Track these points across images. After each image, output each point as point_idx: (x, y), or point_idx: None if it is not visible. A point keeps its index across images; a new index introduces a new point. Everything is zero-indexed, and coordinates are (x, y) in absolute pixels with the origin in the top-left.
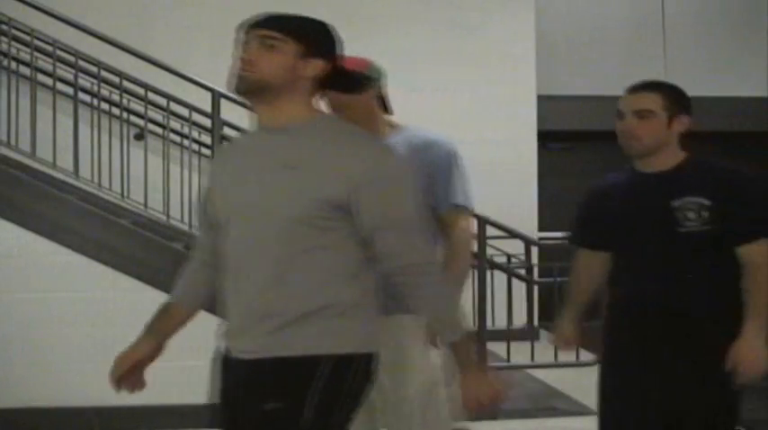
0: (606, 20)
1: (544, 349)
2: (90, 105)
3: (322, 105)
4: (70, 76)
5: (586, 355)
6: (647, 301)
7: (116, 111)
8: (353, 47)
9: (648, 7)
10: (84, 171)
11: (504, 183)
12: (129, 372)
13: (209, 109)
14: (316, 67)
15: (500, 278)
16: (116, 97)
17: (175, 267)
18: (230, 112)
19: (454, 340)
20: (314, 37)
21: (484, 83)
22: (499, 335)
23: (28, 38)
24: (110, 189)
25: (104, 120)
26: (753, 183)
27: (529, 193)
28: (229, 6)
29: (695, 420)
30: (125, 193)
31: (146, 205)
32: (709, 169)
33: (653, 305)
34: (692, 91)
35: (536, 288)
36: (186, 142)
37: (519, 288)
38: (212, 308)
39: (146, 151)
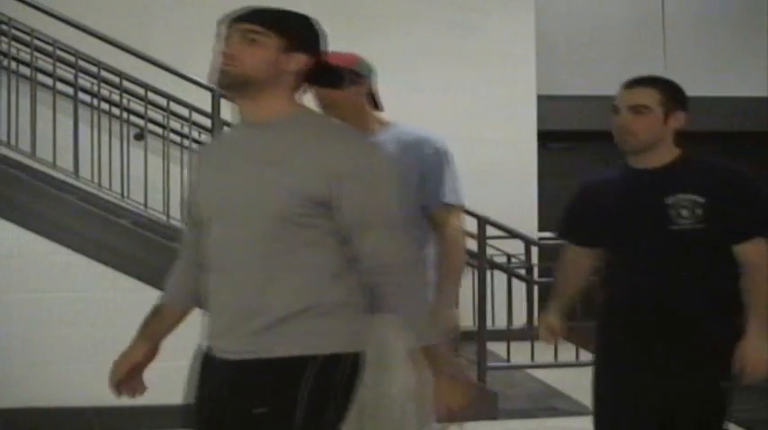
0: (606, 20)
1: (544, 349)
2: (90, 105)
3: (307, 100)
4: (70, 76)
5: (586, 355)
6: (640, 298)
7: (116, 111)
8: (354, 47)
9: (648, 7)
10: (84, 171)
11: (504, 183)
12: (128, 377)
13: (209, 109)
14: (298, 61)
15: (500, 278)
16: (116, 97)
17: None
18: (230, 112)
19: (428, 343)
20: (297, 31)
21: (484, 83)
22: (499, 335)
23: (28, 38)
24: (110, 189)
25: (104, 120)
26: (749, 182)
27: (529, 193)
28: (229, 7)
29: (688, 417)
30: (125, 193)
31: (146, 205)
32: (704, 167)
33: (646, 301)
34: (692, 91)
35: (536, 288)
36: (186, 142)
37: (519, 288)
38: (206, 306)
39: (146, 151)
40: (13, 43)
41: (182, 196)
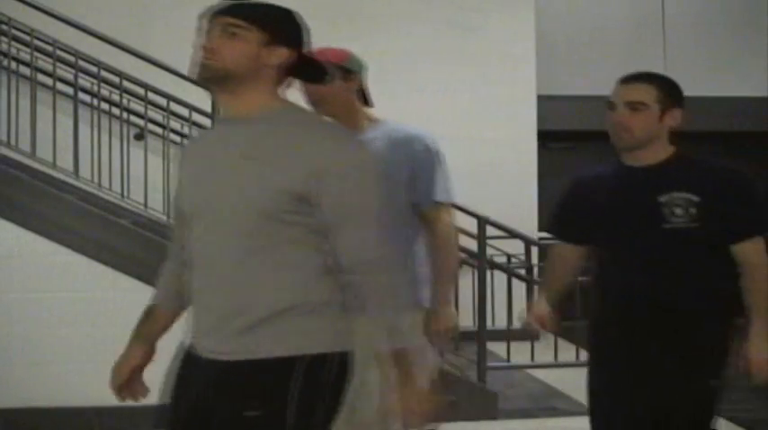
0: (606, 20)
1: (544, 349)
2: (90, 105)
3: (298, 97)
4: (70, 76)
5: (586, 355)
6: (633, 295)
7: (116, 111)
8: (354, 46)
9: (648, 7)
10: (84, 171)
11: (504, 183)
12: (129, 380)
13: (209, 109)
14: (280, 55)
15: (500, 278)
16: (116, 97)
17: None
18: None
19: (398, 347)
20: (278, 25)
21: (484, 83)
22: (499, 336)
23: (28, 38)
24: (110, 189)
25: (104, 120)
26: (745, 181)
27: (529, 193)
28: None
29: (678, 414)
30: (125, 193)
31: (146, 205)
32: (699, 165)
33: (640, 299)
34: (691, 91)
35: (536, 288)
36: (186, 142)
37: (519, 288)
38: (190, 304)
39: (146, 151)
40: (13, 43)
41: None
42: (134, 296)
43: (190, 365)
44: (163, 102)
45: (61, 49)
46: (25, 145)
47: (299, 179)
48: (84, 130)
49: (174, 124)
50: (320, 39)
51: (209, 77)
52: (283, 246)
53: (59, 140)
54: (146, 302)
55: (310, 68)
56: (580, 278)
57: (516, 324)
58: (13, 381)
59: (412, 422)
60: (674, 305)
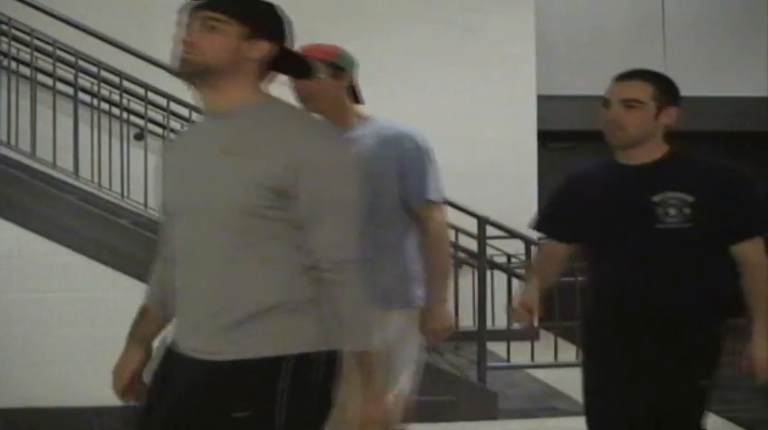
0: (606, 20)
1: (544, 349)
2: (90, 105)
3: (279, 91)
4: (70, 76)
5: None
6: (626, 294)
7: (116, 111)
8: (354, 46)
9: (648, 7)
10: (84, 171)
11: (504, 183)
12: (131, 382)
13: None
14: (261, 49)
15: (500, 278)
16: (116, 97)
17: None
18: None
19: (362, 350)
20: (259, 18)
21: (484, 83)
22: (499, 335)
23: (28, 38)
24: (110, 189)
25: (104, 120)
26: (743, 180)
27: (529, 193)
28: None
29: (672, 413)
30: (125, 193)
31: (146, 205)
32: (693, 164)
33: (632, 298)
34: (692, 91)
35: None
36: (169, 138)
37: (519, 288)
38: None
39: (146, 151)
40: (13, 43)
41: None
42: (134, 296)
43: (171, 363)
44: (163, 102)
45: (61, 49)
46: (25, 145)
47: (277, 171)
48: (84, 130)
49: (174, 124)
50: (320, 38)
51: (189, 72)
52: (266, 242)
53: (59, 140)
54: None
55: (294, 63)
56: (580, 278)
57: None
58: (13, 381)
59: (369, 428)
60: (667, 305)
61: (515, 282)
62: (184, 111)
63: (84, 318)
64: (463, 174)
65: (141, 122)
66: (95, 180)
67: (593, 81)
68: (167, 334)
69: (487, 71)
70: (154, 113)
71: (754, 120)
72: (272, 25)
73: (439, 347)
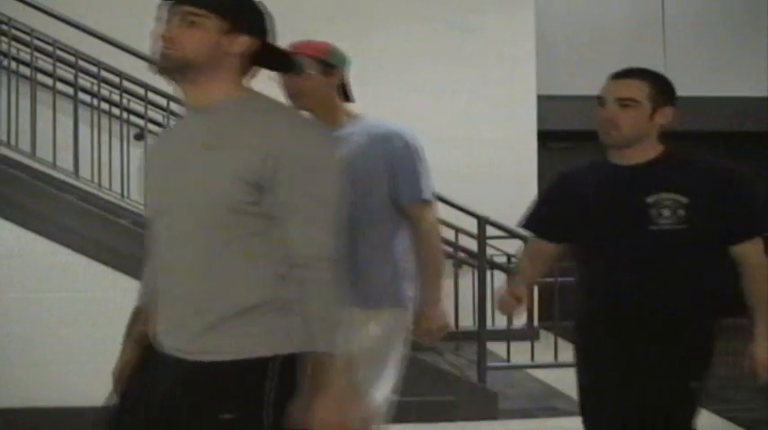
0: (606, 20)
1: (544, 349)
2: (90, 105)
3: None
4: (70, 76)
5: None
6: (620, 294)
7: (116, 111)
8: (353, 46)
9: (648, 7)
10: (84, 171)
11: (504, 183)
12: None
13: None
14: (242, 43)
15: (500, 278)
16: (116, 97)
17: None
18: None
19: (328, 351)
20: (239, 13)
21: (484, 83)
22: (499, 335)
23: (28, 38)
24: (110, 189)
25: (104, 120)
26: (743, 180)
27: (529, 193)
28: None
29: (663, 414)
30: (125, 193)
31: (146, 205)
32: (689, 164)
33: (626, 298)
34: (691, 91)
35: (536, 288)
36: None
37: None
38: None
39: (146, 151)
40: (13, 43)
41: None
42: (134, 296)
43: (152, 363)
44: (163, 102)
45: (61, 49)
46: (25, 145)
47: (257, 163)
48: (84, 130)
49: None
50: (319, 38)
51: (168, 67)
52: (249, 239)
53: (59, 140)
54: None
55: (276, 58)
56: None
57: (516, 324)
58: (13, 381)
59: None
60: (660, 305)
61: None
62: (184, 112)
63: (84, 317)
64: (463, 175)
65: (141, 122)
66: (95, 180)
67: (593, 81)
68: (149, 336)
69: (487, 71)
70: (154, 113)
71: (754, 120)
72: (252, 20)
73: (439, 347)
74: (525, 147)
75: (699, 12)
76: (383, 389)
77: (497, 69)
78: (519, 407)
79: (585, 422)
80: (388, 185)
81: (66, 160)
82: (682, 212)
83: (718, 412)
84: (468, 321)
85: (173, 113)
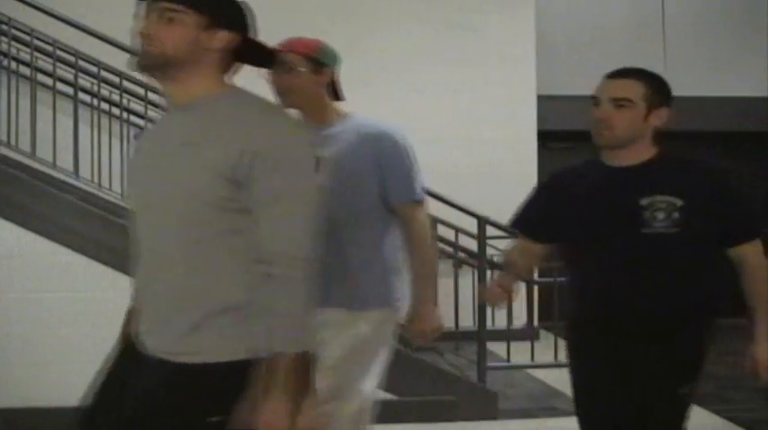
0: (606, 20)
1: (544, 349)
2: (90, 105)
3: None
4: (70, 76)
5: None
6: (612, 295)
7: (116, 111)
8: (354, 46)
9: (648, 7)
10: (84, 171)
11: (504, 183)
12: None
13: None
14: (222, 38)
15: None
16: (116, 97)
17: None
18: None
19: (282, 351)
20: (217, 8)
21: (484, 83)
22: (499, 335)
23: (28, 38)
24: (110, 189)
25: (104, 120)
26: (732, 181)
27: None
28: None
29: (656, 414)
30: (125, 193)
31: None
32: (684, 166)
33: (618, 299)
34: (691, 91)
35: (536, 288)
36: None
37: (519, 288)
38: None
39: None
40: (13, 43)
41: None
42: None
43: (133, 362)
44: (163, 102)
45: (61, 49)
46: (25, 145)
47: (234, 158)
48: (84, 130)
49: None
50: (321, 38)
51: (148, 64)
52: (230, 236)
53: (59, 140)
54: None
55: (258, 53)
56: None
57: (516, 324)
58: (13, 381)
59: None
60: (653, 308)
61: None
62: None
63: (84, 317)
64: (463, 175)
65: (141, 122)
66: (95, 180)
67: (594, 81)
68: (131, 334)
69: (487, 71)
70: (154, 113)
71: (754, 120)
72: (231, 14)
73: (439, 347)
74: (525, 147)
75: (699, 12)
76: (368, 389)
77: (498, 69)
78: (519, 407)
79: (579, 421)
80: (378, 185)
81: (66, 160)
82: (676, 215)
83: (718, 412)
84: (468, 321)
85: None
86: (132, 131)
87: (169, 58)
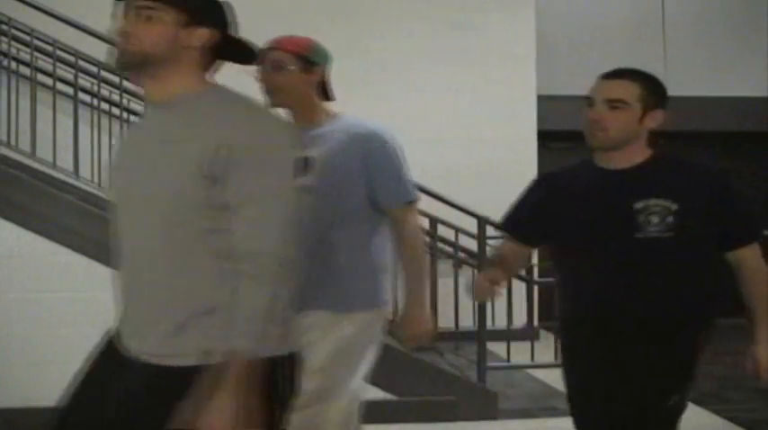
0: (606, 20)
1: (544, 349)
2: (90, 105)
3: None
4: (70, 76)
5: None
6: (607, 297)
7: (116, 111)
8: (354, 46)
9: (648, 7)
10: (84, 171)
11: (504, 183)
12: None
13: None
14: (201, 36)
15: None
16: (116, 97)
17: None
18: None
19: (240, 348)
20: (196, 5)
21: (484, 83)
22: (499, 335)
23: (28, 38)
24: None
25: (104, 120)
26: (729, 183)
27: None
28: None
29: (649, 415)
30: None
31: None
32: (679, 169)
33: (613, 301)
34: (691, 91)
35: (536, 288)
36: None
37: (519, 288)
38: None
39: None
40: (13, 43)
41: None
42: None
43: (115, 364)
44: None
45: (61, 49)
46: (25, 145)
47: (210, 154)
48: (84, 130)
49: None
50: (320, 38)
51: (127, 63)
52: (213, 235)
53: (59, 140)
54: None
55: (239, 50)
56: None
57: (516, 324)
58: (13, 381)
59: None
60: (648, 311)
61: (515, 281)
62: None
63: (84, 318)
64: (463, 175)
65: None
66: (95, 180)
67: (594, 81)
68: (110, 330)
69: (488, 71)
70: None
71: (754, 120)
72: (210, 11)
73: (439, 347)
74: (525, 147)
75: (699, 12)
76: (353, 390)
77: (498, 69)
78: (519, 407)
79: (574, 421)
80: (366, 186)
81: (66, 160)
82: (671, 219)
83: (718, 412)
84: (468, 321)
85: None
86: None
87: (148, 56)
